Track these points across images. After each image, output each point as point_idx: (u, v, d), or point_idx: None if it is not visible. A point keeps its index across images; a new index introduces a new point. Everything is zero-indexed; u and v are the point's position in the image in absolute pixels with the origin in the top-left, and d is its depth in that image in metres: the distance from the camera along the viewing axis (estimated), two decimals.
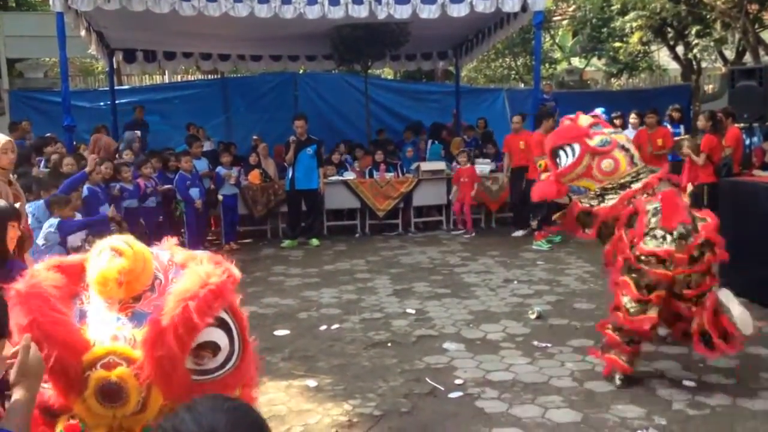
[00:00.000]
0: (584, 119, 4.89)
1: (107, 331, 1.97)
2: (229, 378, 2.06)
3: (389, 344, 5.20)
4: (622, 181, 4.57)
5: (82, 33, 9.83)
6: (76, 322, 1.99)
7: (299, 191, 9.40)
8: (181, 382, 1.95)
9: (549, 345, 5.05)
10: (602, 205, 4.57)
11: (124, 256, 1.99)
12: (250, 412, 1.30)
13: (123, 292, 2.01)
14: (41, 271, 2.04)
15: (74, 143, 9.53)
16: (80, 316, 2.01)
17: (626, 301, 4.16)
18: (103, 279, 1.99)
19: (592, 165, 4.62)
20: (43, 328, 1.87)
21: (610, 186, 4.58)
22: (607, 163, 4.61)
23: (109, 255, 2.00)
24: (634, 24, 15.27)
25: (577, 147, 4.67)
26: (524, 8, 9.48)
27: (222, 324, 2.06)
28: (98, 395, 1.91)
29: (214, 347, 2.05)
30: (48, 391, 1.97)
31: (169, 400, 1.95)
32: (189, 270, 2.07)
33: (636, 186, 4.49)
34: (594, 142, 4.65)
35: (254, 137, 11.43)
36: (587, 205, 4.65)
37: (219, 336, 2.06)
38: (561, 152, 4.77)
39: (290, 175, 9.38)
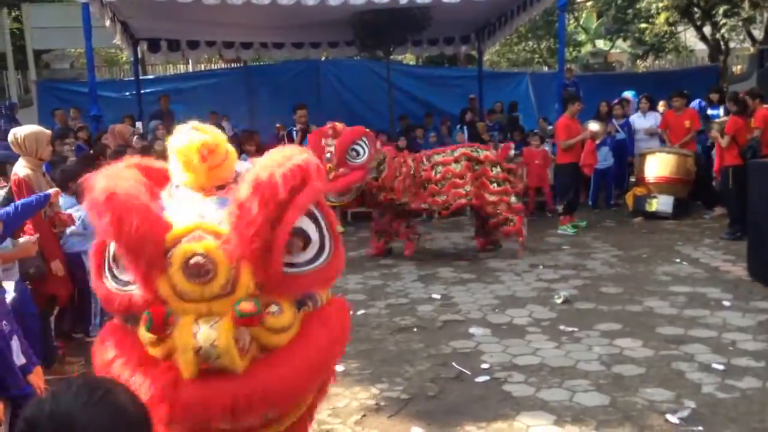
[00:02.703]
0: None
1: (193, 211, 1.87)
2: (320, 272, 1.94)
3: (415, 329, 5.23)
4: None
5: (107, 23, 9.92)
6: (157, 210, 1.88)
7: None
8: (273, 265, 1.81)
9: (576, 329, 5.03)
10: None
11: (204, 132, 1.96)
12: (118, 406, 1.15)
13: (206, 172, 1.94)
14: (121, 168, 1.96)
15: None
16: (161, 209, 1.92)
17: (512, 198, 7.23)
18: (186, 151, 1.92)
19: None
20: (119, 200, 1.77)
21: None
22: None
23: (190, 132, 1.96)
24: (660, 4, 15.04)
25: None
26: None
27: (309, 214, 1.93)
28: (185, 271, 1.77)
29: (305, 237, 1.92)
30: (132, 290, 1.87)
31: (260, 283, 1.82)
32: (271, 151, 1.94)
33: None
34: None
35: (277, 125, 11.46)
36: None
37: (308, 225, 1.92)
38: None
39: None
